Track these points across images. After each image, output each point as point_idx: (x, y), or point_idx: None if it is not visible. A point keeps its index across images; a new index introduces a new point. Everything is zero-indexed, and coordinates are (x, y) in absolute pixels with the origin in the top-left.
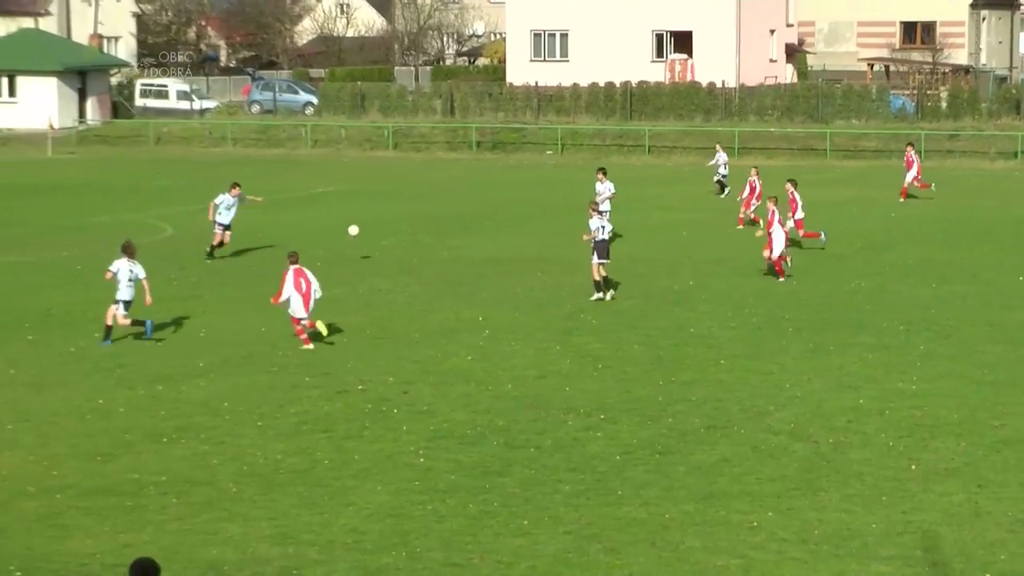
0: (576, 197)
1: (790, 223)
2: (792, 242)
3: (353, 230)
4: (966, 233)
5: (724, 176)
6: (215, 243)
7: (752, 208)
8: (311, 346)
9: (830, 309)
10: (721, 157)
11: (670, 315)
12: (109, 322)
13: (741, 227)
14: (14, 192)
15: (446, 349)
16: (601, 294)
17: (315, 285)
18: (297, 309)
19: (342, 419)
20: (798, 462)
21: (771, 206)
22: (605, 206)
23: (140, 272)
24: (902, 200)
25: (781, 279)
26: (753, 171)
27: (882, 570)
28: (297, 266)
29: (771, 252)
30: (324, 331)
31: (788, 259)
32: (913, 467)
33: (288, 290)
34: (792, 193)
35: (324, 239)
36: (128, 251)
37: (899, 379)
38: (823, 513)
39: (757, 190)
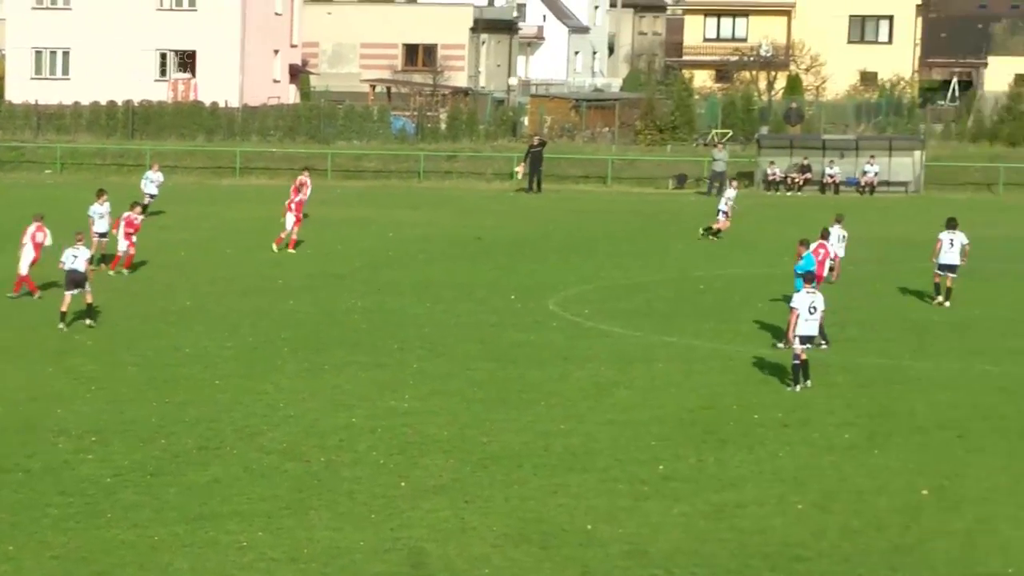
0: (76, 216)
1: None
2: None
3: None
4: (463, 253)
5: (152, 196)
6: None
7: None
8: None
9: (327, 328)
10: (156, 176)
11: (166, 335)
12: None
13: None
14: None
15: None
16: (63, 325)
17: None
18: None
19: None
20: (290, 481)
21: None
22: (102, 227)
23: None
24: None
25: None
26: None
27: None
28: None
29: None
30: None
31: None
32: (403, 484)
33: None
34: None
35: None
36: None
37: (392, 397)
38: (313, 532)
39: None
